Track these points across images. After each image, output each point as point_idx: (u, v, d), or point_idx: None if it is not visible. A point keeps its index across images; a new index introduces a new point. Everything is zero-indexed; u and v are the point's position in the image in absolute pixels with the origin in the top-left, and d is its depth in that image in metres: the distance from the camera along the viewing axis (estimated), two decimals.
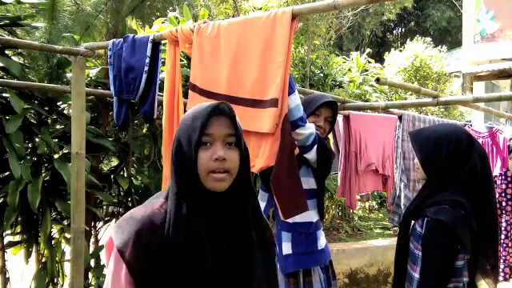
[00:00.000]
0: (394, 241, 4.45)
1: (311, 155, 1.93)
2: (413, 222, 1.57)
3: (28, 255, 2.94)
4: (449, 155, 1.52)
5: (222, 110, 1.03)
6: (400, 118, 3.39)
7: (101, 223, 3.32)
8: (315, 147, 1.92)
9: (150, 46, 2.16)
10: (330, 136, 3.24)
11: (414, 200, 1.65)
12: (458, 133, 1.56)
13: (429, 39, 9.06)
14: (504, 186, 3.61)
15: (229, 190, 1.03)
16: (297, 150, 1.87)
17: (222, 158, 1.00)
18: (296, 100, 1.80)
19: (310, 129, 1.87)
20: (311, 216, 2.02)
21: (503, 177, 3.60)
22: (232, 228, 1.04)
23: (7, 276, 2.92)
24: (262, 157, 1.76)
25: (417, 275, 1.47)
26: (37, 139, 2.88)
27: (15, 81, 2.70)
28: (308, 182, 2.01)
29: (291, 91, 1.76)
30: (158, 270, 0.97)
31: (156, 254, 0.97)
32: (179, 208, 1.00)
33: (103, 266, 3.14)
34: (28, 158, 2.71)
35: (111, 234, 1.00)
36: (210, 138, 1.02)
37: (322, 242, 2.07)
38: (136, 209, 1.05)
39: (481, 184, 1.53)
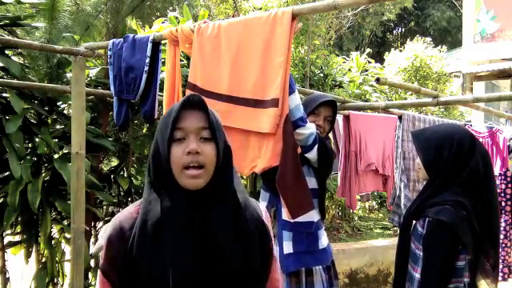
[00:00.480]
0: (394, 241, 4.46)
1: (312, 155, 1.93)
2: (414, 222, 1.57)
3: (28, 255, 2.94)
4: (451, 156, 1.52)
5: (193, 103, 0.99)
6: (400, 117, 3.39)
7: (101, 223, 3.32)
8: (316, 147, 1.92)
9: (150, 46, 2.16)
10: (330, 136, 3.24)
11: (415, 200, 1.65)
12: (460, 133, 1.55)
13: (429, 39, 9.06)
14: (504, 186, 3.61)
15: (206, 188, 0.97)
16: (298, 150, 1.87)
17: (195, 151, 0.95)
18: (296, 100, 1.80)
19: (310, 129, 1.87)
20: (312, 216, 2.01)
21: (503, 177, 3.60)
22: (209, 229, 0.95)
23: (7, 276, 2.92)
24: (264, 157, 1.76)
25: (418, 275, 1.47)
26: (37, 139, 2.88)
27: (15, 81, 2.70)
28: (309, 182, 2.00)
29: (291, 91, 1.76)
30: (124, 279, 0.95)
31: (122, 262, 0.94)
32: (147, 214, 0.95)
33: None
34: (28, 158, 2.71)
35: None
36: (182, 133, 0.97)
37: (323, 241, 2.07)
38: (124, 209, 1.04)
39: (483, 184, 1.52)
